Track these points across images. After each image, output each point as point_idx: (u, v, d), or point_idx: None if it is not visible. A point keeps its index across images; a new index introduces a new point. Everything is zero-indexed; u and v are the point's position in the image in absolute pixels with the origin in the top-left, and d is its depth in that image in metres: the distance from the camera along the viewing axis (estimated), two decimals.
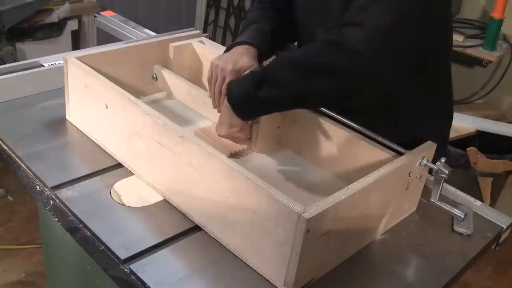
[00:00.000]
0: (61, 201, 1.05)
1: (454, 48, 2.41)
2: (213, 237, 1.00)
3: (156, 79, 1.35)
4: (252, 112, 1.10)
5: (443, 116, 1.29)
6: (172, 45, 1.36)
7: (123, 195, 1.09)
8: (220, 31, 3.73)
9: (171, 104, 1.40)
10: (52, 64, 1.49)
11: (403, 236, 1.08)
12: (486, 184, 2.43)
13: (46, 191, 1.08)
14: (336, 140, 1.16)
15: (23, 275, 2.20)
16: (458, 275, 1.02)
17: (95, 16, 2.32)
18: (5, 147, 1.19)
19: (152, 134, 1.05)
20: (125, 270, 0.92)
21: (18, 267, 2.23)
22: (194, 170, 0.99)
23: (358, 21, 0.98)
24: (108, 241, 0.96)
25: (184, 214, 1.04)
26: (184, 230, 1.01)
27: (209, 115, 1.25)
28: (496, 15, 2.41)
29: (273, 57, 1.25)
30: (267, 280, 0.92)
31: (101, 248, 0.96)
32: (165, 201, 1.08)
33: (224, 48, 1.28)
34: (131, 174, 1.14)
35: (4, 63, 2.11)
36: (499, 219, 1.15)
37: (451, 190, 1.21)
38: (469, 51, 2.47)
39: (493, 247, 1.13)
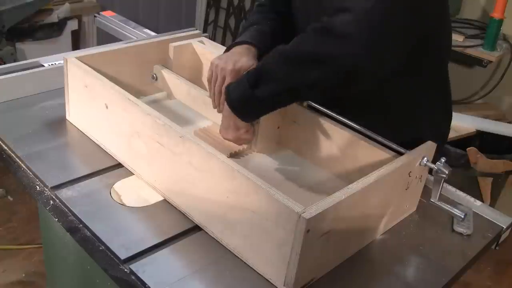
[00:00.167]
0: (61, 201, 1.05)
1: (454, 48, 2.43)
2: (213, 237, 1.00)
3: (156, 79, 1.35)
4: (253, 112, 1.10)
5: (443, 116, 1.29)
6: (172, 45, 1.36)
7: (123, 195, 1.09)
8: (220, 31, 3.73)
9: (171, 104, 1.40)
10: (52, 64, 1.49)
11: (403, 236, 1.08)
12: (486, 184, 2.43)
13: (46, 191, 1.08)
14: (336, 140, 1.16)
15: (23, 275, 2.20)
16: (458, 275, 1.02)
17: (95, 16, 2.32)
18: (5, 147, 1.19)
19: (152, 134, 1.05)
20: (125, 270, 0.92)
21: (18, 267, 2.23)
22: (194, 170, 0.99)
23: (347, 6, 0.97)
24: (108, 241, 0.96)
25: (184, 214, 1.04)
26: (184, 230, 1.01)
27: (209, 115, 1.25)
28: (496, 15, 2.41)
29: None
30: (267, 280, 0.92)
31: (101, 248, 0.96)
32: (165, 201, 1.08)
33: (224, 48, 1.28)
34: (131, 174, 1.14)
35: (4, 63, 2.11)
36: (499, 219, 1.15)
37: (451, 190, 1.21)
38: (469, 51, 2.47)
39: (493, 247, 1.13)
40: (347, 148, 1.14)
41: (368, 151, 1.10)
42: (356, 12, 0.96)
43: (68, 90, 1.27)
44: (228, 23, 3.66)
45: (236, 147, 1.20)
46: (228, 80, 1.12)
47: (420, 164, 1.04)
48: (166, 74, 1.32)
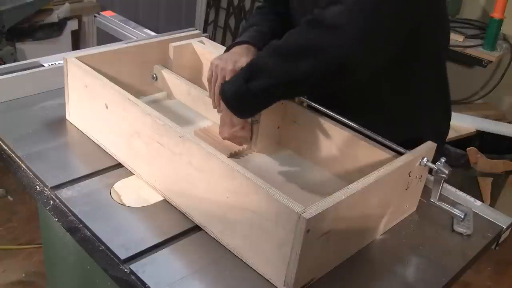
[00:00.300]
0: (61, 201, 1.05)
1: (454, 48, 2.43)
2: (213, 237, 1.00)
3: (156, 79, 1.35)
4: (249, 107, 1.09)
5: (443, 114, 1.30)
6: (172, 45, 1.36)
7: (123, 195, 1.09)
8: (220, 31, 3.73)
9: (171, 104, 1.40)
10: (52, 64, 1.49)
11: (403, 236, 1.08)
12: (486, 184, 2.43)
13: (46, 191, 1.08)
14: (336, 140, 1.16)
15: (23, 275, 2.20)
16: (458, 275, 1.02)
17: (95, 16, 2.32)
18: (5, 147, 1.19)
19: (152, 134, 1.05)
20: (125, 270, 0.92)
21: (18, 267, 2.23)
22: (194, 170, 0.99)
23: None
24: (108, 241, 0.96)
25: (184, 214, 1.04)
26: (184, 230, 1.01)
27: (209, 115, 1.25)
28: (496, 15, 2.41)
29: None
30: (267, 280, 0.92)
31: (101, 248, 0.96)
32: (165, 201, 1.08)
33: (224, 48, 1.29)
34: (131, 174, 1.14)
35: (4, 63, 2.11)
36: (499, 219, 1.15)
37: (451, 190, 1.21)
38: (469, 51, 2.47)
39: (493, 247, 1.13)
40: (347, 148, 1.14)
41: (368, 151, 1.10)
42: (347, 2, 0.96)
43: (68, 90, 1.27)
44: (228, 23, 3.66)
45: (236, 147, 1.20)
46: None
47: (420, 164, 1.04)
48: (166, 74, 1.32)
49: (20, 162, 1.15)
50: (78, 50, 1.54)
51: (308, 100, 1.22)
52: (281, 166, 1.21)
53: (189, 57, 1.39)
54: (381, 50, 1.02)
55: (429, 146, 1.06)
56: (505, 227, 1.13)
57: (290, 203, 0.85)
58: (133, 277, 0.91)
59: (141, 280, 0.90)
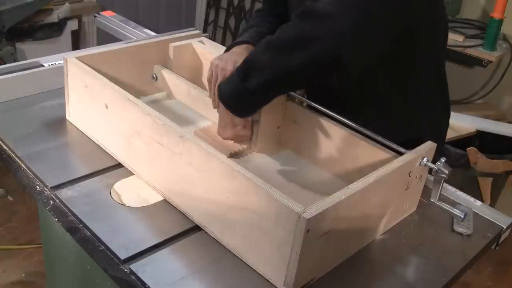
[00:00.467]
0: (61, 201, 1.05)
1: (454, 48, 2.43)
2: (213, 237, 1.00)
3: (156, 79, 1.35)
4: (247, 106, 1.09)
5: (443, 114, 1.30)
6: (172, 45, 1.36)
7: (123, 195, 1.09)
8: (220, 31, 3.73)
9: (171, 104, 1.40)
10: (52, 64, 1.49)
11: (403, 236, 1.08)
12: (486, 184, 2.43)
13: (46, 191, 1.08)
14: (336, 140, 1.16)
15: (23, 275, 2.20)
16: (458, 275, 1.02)
17: (95, 16, 2.32)
18: (5, 147, 1.19)
19: (152, 134, 1.05)
20: (125, 270, 0.92)
21: (18, 267, 2.23)
22: (194, 170, 0.99)
23: None
24: (108, 241, 0.96)
25: (184, 214, 1.04)
26: (184, 230, 1.01)
27: (209, 115, 1.25)
28: (496, 15, 2.41)
29: None
30: (267, 280, 0.92)
31: (101, 248, 0.96)
32: (165, 201, 1.08)
33: (224, 48, 1.29)
34: (131, 174, 1.14)
35: (4, 63, 2.11)
36: (499, 219, 1.15)
37: (451, 190, 1.21)
38: (469, 51, 2.47)
39: (493, 247, 1.13)
40: (347, 148, 1.14)
41: (368, 151, 1.10)
42: None
43: (68, 90, 1.27)
44: (228, 23, 3.66)
45: (236, 147, 1.20)
46: None
47: (420, 164, 1.04)
48: (166, 74, 1.32)
49: (20, 162, 1.15)
50: (78, 50, 1.54)
51: (308, 100, 1.22)
52: (281, 166, 1.21)
53: (189, 57, 1.39)
54: (374, 39, 1.01)
55: (429, 146, 1.06)
56: (505, 227, 1.13)
57: (290, 203, 0.85)
58: (133, 277, 0.91)
59: (141, 280, 0.90)
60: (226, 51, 1.22)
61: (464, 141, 2.39)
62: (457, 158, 2.32)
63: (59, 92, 1.33)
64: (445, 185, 1.16)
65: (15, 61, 2.18)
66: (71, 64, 1.22)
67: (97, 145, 1.22)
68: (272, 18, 1.30)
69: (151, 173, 1.10)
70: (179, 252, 0.97)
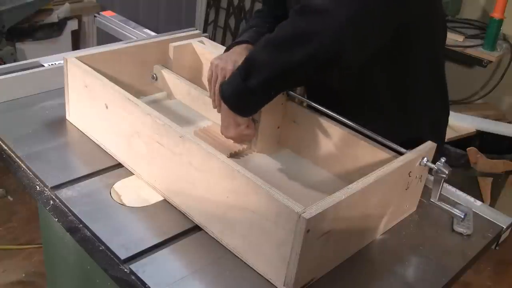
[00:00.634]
0: (61, 201, 1.05)
1: (454, 48, 2.43)
2: (213, 237, 1.00)
3: (156, 79, 1.35)
4: (250, 105, 1.09)
5: (442, 115, 1.30)
6: (172, 45, 1.36)
7: (123, 195, 1.09)
8: (220, 31, 3.73)
9: (171, 104, 1.40)
10: (52, 64, 1.49)
11: (403, 236, 1.08)
12: (486, 184, 2.43)
13: (46, 191, 1.08)
14: (336, 139, 1.16)
15: (23, 275, 2.20)
16: (458, 275, 1.02)
17: (95, 16, 2.32)
18: (5, 147, 1.19)
19: (152, 134, 1.05)
20: (125, 270, 0.92)
21: (18, 267, 2.23)
22: (194, 170, 0.99)
23: None
24: (108, 241, 0.96)
25: (184, 214, 1.04)
26: (184, 230, 1.01)
27: (209, 115, 1.25)
28: (496, 15, 2.41)
29: None
30: (267, 280, 0.92)
31: (101, 248, 0.96)
32: (165, 201, 1.08)
33: (224, 48, 1.29)
34: (131, 174, 1.14)
35: (4, 63, 2.11)
36: (499, 219, 1.15)
37: (451, 190, 1.21)
38: (469, 51, 2.47)
39: (493, 247, 1.13)
40: (347, 148, 1.14)
41: (368, 151, 1.10)
42: None
43: (68, 90, 1.27)
44: (228, 23, 3.66)
45: (236, 147, 1.20)
46: None
47: (420, 164, 1.04)
48: (166, 74, 1.32)
49: (20, 162, 1.15)
50: (78, 50, 1.54)
51: (308, 100, 1.22)
52: (281, 166, 1.21)
53: (189, 57, 1.39)
54: (371, 32, 1.00)
55: (429, 146, 1.06)
56: (505, 227, 1.13)
57: (290, 203, 0.85)
58: (133, 277, 0.91)
59: (141, 280, 0.90)
60: (226, 51, 1.22)
61: (464, 141, 2.39)
62: (457, 158, 2.32)
63: (59, 92, 1.33)
64: (445, 185, 1.16)
65: (15, 61, 2.18)
66: (71, 64, 1.22)
67: (97, 145, 1.22)
68: (271, 19, 1.30)
69: (151, 173, 1.10)
70: (179, 252, 0.97)
